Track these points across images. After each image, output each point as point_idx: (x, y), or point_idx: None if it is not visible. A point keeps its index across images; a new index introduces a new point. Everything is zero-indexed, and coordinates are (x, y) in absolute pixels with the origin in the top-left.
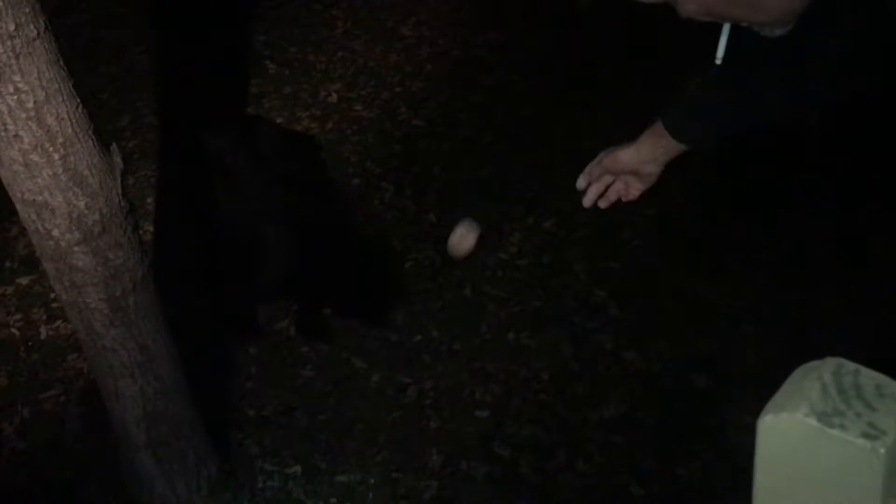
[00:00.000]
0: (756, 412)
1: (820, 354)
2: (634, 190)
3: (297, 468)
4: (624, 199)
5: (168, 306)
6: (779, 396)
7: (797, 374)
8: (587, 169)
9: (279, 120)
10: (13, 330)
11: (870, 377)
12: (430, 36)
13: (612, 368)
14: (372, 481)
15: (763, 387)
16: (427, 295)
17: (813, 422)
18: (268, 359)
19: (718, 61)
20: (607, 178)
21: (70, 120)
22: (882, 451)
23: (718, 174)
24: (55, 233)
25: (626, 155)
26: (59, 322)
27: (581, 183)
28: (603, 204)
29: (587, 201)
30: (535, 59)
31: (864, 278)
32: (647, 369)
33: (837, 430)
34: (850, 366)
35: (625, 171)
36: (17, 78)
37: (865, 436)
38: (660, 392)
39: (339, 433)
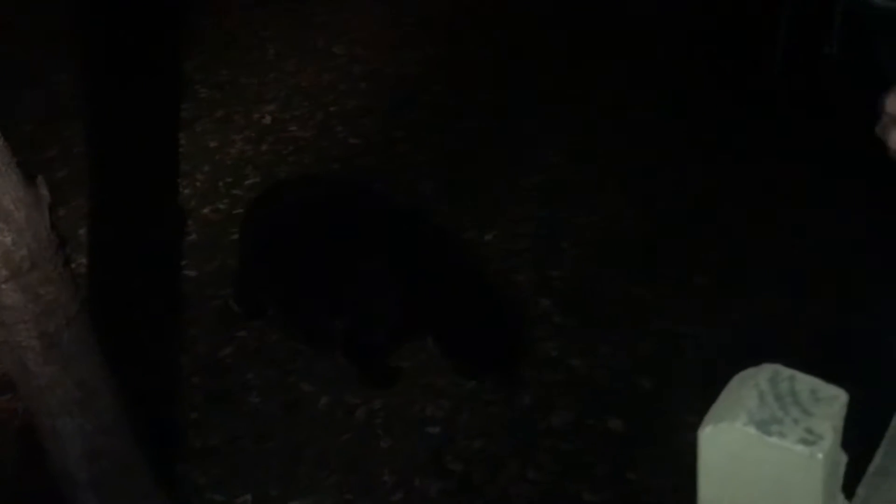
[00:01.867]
0: (700, 411)
1: (759, 351)
2: None
3: (248, 497)
4: None
5: (105, 340)
6: (717, 406)
7: (734, 382)
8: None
9: (212, 144)
10: None
11: (805, 382)
12: (363, 54)
13: (558, 376)
14: None
15: (707, 386)
16: None
17: (752, 430)
18: (212, 387)
19: None
20: None
21: None
22: (820, 456)
23: (653, 179)
24: None
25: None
26: None
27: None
28: None
29: None
30: (470, 75)
31: (802, 280)
32: (593, 375)
33: (776, 437)
34: (786, 371)
35: None
36: None
37: (803, 442)
38: (607, 397)
39: (289, 459)
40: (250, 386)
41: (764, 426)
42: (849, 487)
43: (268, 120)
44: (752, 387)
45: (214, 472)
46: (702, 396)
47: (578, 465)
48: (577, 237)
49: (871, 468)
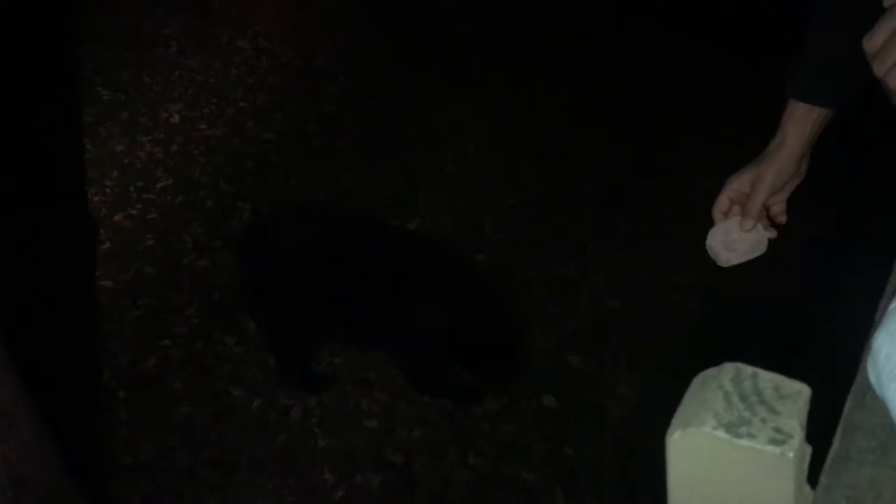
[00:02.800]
0: (628, 383)
1: (678, 319)
2: (782, 197)
3: None
4: (778, 221)
5: (20, 362)
6: (683, 410)
7: (696, 384)
8: (746, 210)
9: (120, 148)
10: None
11: (767, 379)
12: (269, 47)
13: (491, 361)
14: None
15: (632, 359)
16: None
17: (721, 434)
18: (138, 401)
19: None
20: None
21: None
22: (790, 454)
23: (567, 161)
24: None
25: (771, 174)
26: None
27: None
28: (773, 234)
29: (764, 240)
30: (379, 65)
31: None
32: (524, 357)
33: (746, 439)
34: (748, 370)
35: (777, 187)
36: None
37: (773, 442)
38: (539, 377)
39: (224, 467)
40: (178, 396)
41: (733, 429)
42: (811, 476)
43: (176, 119)
44: (715, 388)
45: (147, 487)
46: (628, 368)
47: (517, 447)
48: (498, 221)
49: (831, 454)
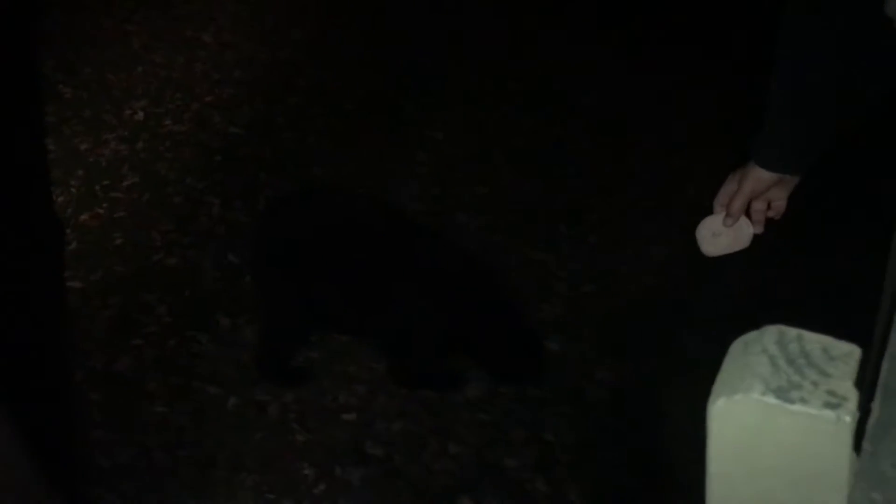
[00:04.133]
0: (606, 366)
1: (655, 303)
2: (779, 204)
3: None
4: (776, 218)
5: None
6: (725, 376)
7: (736, 349)
8: (731, 208)
9: (84, 146)
10: None
11: (814, 341)
12: (234, 41)
13: (469, 349)
14: None
15: (611, 343)
16: None
17: (771, 399)
18: (112, 402)
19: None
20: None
21: None
22: (847, 419)
23: (538, 147)
24: None
25: (753, 182)
26: None
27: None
28: (759, 229)
29: (749, 234)
30: (346, 56)
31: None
32: (502, 343)
33: (799, 404)
34: (792, 331)
35: (758, 193)
36: None
37: (828, 405)
38: (517, 364)
39: (203, 466)
40: (153, 396)
41: (783, 393)
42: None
43: (140, 116)
44: (759, 352)
45: (127, 490)
46: (607, 352)
47: (497, 434)
48: (472, 209)
49: (871, 421)
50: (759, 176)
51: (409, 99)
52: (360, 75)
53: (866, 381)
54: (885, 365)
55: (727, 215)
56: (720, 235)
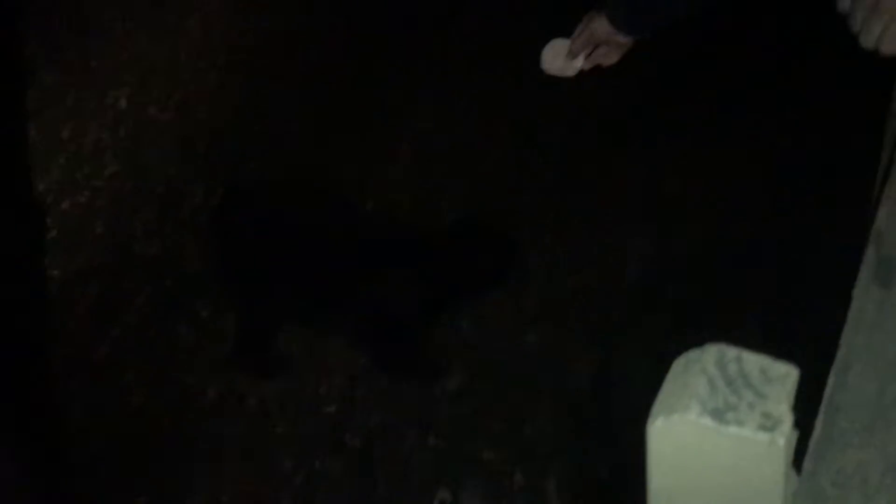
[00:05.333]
0: (585, 360)
1: (635, 296)
2: (612, 57)
3: (143, 500)
4: (604, 65)
5: None
6: (665, 395)
7: (678, 367)
8: (572, 44)
9: (65, 133)
10: None
11: (753, 361)
12: (219, 28)
13: (449, 341)
14: (224, 499)
15: (590, 336)
16: None
17: (708, 421)
18: (89, 392)
19: None
20: (587, 48)
21: None
22: (781, 441)
23: (524, 137)
24: None
25: (599, 25)
26: None
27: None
28: (587, 66)
29: (576, 66)
30: (333, 42)
31: (673, 221)
32: (482, 335)
33: (734, 426)
34: (732, 352)
35: (600, 40)
36: None
37: (762, 428)
38: (497, 355)
39: (181, 457)
40: (131, 386)
41: (719, 415)
42: (795, 461)
43: (123, 104)
44: (699, 372)
45: (103, 480)
46: (586, 346)
47: (476, 426)
48: (456, 201)
49: (814, 438)
50: (602, 26)
51: (397, 91)
52: (346, 66)
53: None
54: (829, 382)
55: (570, 49)
56: (557, 59)
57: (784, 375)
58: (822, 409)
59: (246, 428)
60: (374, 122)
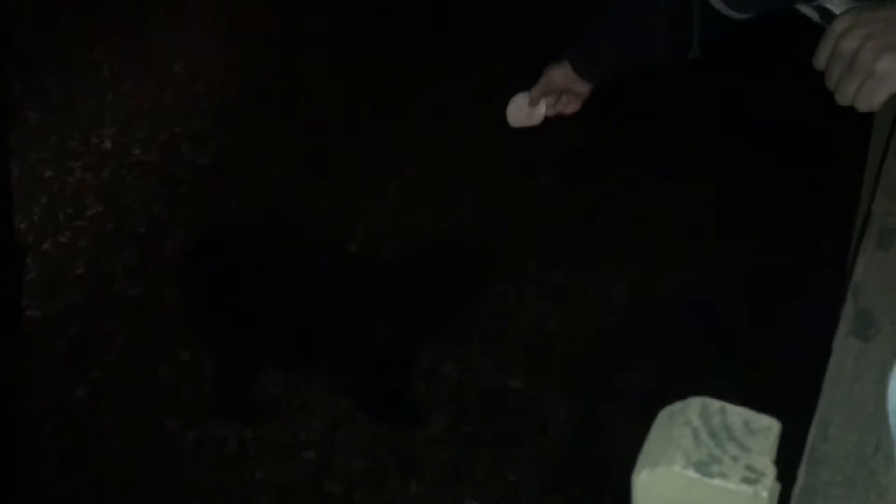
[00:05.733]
0: (569, 406)
1: (618, 341)
2: (572, 106)
3: None
4: (566, 113)
5: None
6: (649, 447)
7: (663, 419)
8: (532, 92)
9: (48, 173)
10: None
11: (736, 414)
12: (205, 72)
13: (431, 385)
14: None
15: (573, 382)
16: None
17: (692, 473)
18: (66, 434)
19: None
20: (549, 98)
21: None
22: (764, 494)
23: (507, 178)
24: None
25: (557, 75)
26: None
27: (529, 103)
28: (550, 112)
29: (539, 113)
30: (314, 87)
31: (654, 265)
32: (466, 380)
33: (718, 479)
34: (716, 404)
35: (559, 89)
36: None
37: (746, 480)
38: (480, 400)
39: (158, 501)
40: (109, 428)
41: (703, 467)
42: None
43: (108, 144)
44: (683, 424)
45: None
46: (570, 391)
47: (459, 472)
48: (439, 242)
49: (796, 490)
50: (559, 75)
51: (381, 134)
52: (330, 107)
53: None
54: (811, 434)
55: (530, 98)
56: (521, 112)
57: (766, 428)
58: (804, 460)
59: (225, 472)
60: (358, 165)
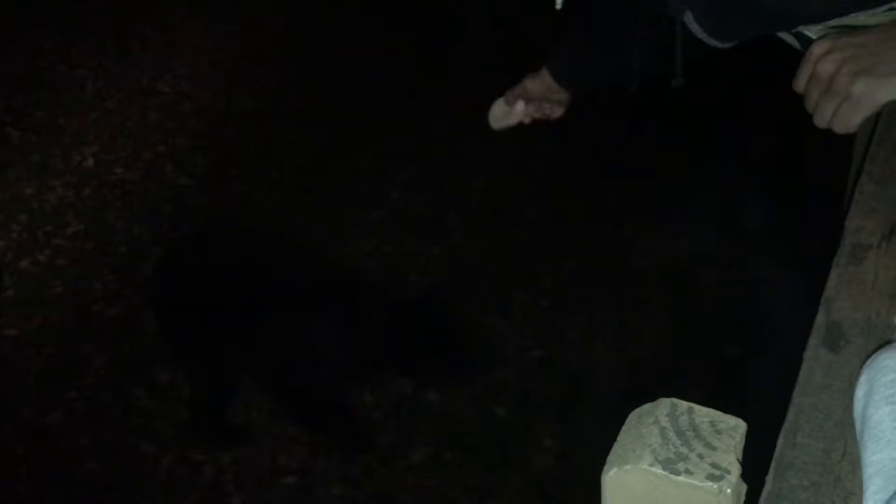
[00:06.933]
0: (554, 434)
1: (603, 368)
2: (557, 111)
3: None
4: (551, 118)
5: None
6: (619, 446)
7: (632, 420)
8: (507, 94)
9: (28, 191)
10: None
11: (703, 414)
12: (191, 91)
13: (415, 412)
14: None
15: (558, 409)
16: None
17: (659, 470)
18: (40, 457)
19: (558, 6)
20: (531, 104)
21: None
22: (728, 490)
23: (490, 206)
24: None
25: (533, 84)
26: None
27: (505, 103)
28: (527, 120)
29: (517, 110)
30: (300, 109)
31: (638, 300)
32: (450, 407)
33: (684, 475)
34: (683, 405)
35: (536, 97)
36: None
37: (711, 477)
38: (464, 428)
39: None
40: (84, 451)
41: (670, 465)
42: None
43: (90, 163)
44: (651, 423)
45: None
46: (555, 419)
47: (442, 501)
48: (423, 269)
49: (764, 494)
50: (535, 84)
51: (366, 156)
52: (316, 129)
53: None
54: (779, 440)
55: (506, 100)
56: (500, 110)
57: (732, 428)
58: (773, 466)
59: (201, 498)
60: (345, 190)
